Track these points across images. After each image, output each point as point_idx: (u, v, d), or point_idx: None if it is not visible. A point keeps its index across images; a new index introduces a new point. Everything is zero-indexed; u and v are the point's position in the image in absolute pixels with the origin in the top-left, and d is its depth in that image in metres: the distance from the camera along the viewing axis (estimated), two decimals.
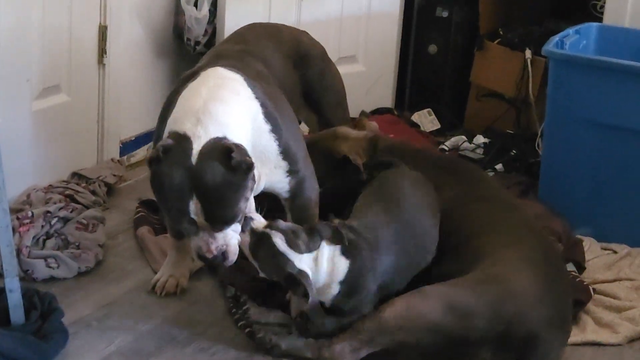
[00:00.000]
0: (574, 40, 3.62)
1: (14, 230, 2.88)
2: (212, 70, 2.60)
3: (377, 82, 4.32)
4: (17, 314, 2.49)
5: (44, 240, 3.00)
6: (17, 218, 3.00)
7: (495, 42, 4.32)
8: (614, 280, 3.10)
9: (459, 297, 2.49)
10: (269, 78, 2.81)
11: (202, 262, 2.51)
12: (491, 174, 3.85)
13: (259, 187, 2.58)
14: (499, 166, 3.94)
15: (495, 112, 4.30)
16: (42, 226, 3.02)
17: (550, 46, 3.45)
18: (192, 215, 2.39)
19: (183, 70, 3.95)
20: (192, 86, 2.55)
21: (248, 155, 2.40)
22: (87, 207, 3.27)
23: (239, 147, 2.39)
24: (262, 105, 2.56)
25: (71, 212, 3.16)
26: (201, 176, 2.35)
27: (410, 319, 2.45)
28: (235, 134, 2.44)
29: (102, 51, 3.57)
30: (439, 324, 2.45)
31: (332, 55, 3.45)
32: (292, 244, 2.44)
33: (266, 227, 2.47)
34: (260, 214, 2.55)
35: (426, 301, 2.49)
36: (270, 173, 2.60)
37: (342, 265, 2.48)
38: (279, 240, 2.44)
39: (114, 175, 3.57)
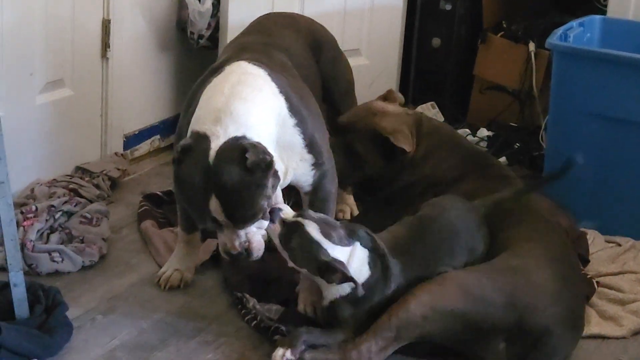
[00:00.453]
0: (577, 33, 3.62)
1: (18, 224, 2.88)
2: (236, 66, 2.57)
3: (380, 76, 4.30)
4: (21, 308, 2.49)
5: (48, 235, 3.00)
6: (21, 212, 3.01)
7: (499, 35, 4.31)
8: (618, 273, 3.10)
9: (476, 283, 2.49)
10: (293, 69, 2.80)
11: (228, 258, 2.51)
12: None
13: (285, 181, 2.59)
14: (502, 159, 3.93)
15: (499, 105, 4.29)
16: (46, 220, 3.02)
17: (554, 39, 3.44)
18: (214, 214, 2.40)
19: (186, 63, 3.98)
20: (215, 82, 2.53)
21: (267, 153, 2.39)
22: (91, 201, 3.27)
23: (256, 147, 2.37)
24: (287, 99, 2.54)
25: (75, 206, 3.16)
26: (218, 176, 2.35)
27: (435, 308, 2.44)
28: (256, 132, 2.42)
29: (105, 45, 3.57)
30: (460, 310, 2.45)
31: None
32: (326, 234, 2.45)
33: (298, 216, 2.48)
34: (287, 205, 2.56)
35: (447, 288, 2.48)
36: (296, 166, 2.60)
37: (364, 273, 2.48)
38: (313, 229, 2.44)
39: (118, 169, 3.57)
